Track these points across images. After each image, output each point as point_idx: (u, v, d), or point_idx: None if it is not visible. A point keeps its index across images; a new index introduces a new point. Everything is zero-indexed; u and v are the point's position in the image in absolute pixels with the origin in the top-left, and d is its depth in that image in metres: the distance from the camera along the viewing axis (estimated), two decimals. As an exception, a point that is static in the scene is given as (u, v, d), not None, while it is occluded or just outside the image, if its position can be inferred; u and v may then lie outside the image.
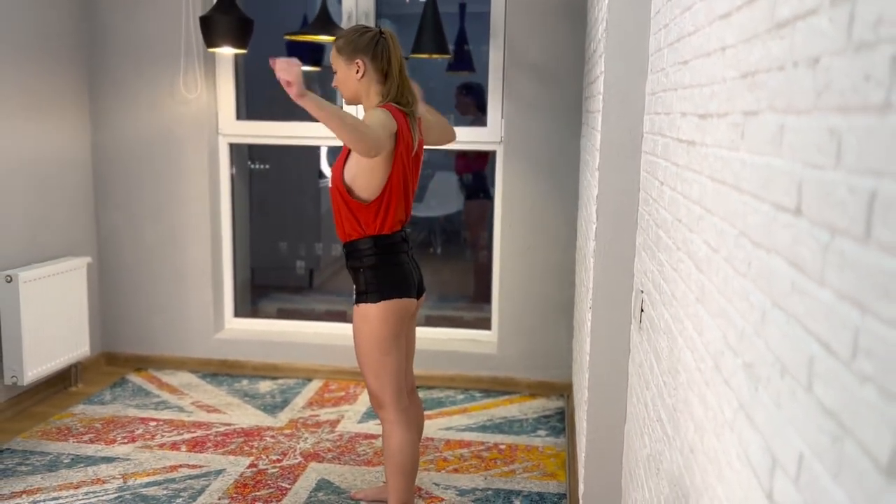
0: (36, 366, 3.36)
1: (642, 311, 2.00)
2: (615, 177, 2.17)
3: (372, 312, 2.29)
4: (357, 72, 2.30)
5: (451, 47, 3.72)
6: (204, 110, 3.83)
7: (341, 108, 2.07)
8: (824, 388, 0.69)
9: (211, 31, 3.31)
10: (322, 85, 5.24)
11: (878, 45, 0.60)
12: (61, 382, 3.70)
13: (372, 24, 3.74)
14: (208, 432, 3.24)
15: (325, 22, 3.22)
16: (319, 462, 2.99)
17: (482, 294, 4.61)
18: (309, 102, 2.01)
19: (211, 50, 3.42)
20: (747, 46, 1.01)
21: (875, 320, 0.58)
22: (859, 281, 0.62)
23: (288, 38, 3.38)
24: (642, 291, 2.02)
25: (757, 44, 0.96)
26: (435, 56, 3.62)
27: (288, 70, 1.97)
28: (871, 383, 0.58)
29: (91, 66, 3.84)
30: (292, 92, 1.99)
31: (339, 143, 3.87)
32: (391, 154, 2.24)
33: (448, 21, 3.64)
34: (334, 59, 2.33)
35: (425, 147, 2.54)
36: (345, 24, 3.74)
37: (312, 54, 4.27)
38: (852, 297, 0.63)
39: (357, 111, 3.84)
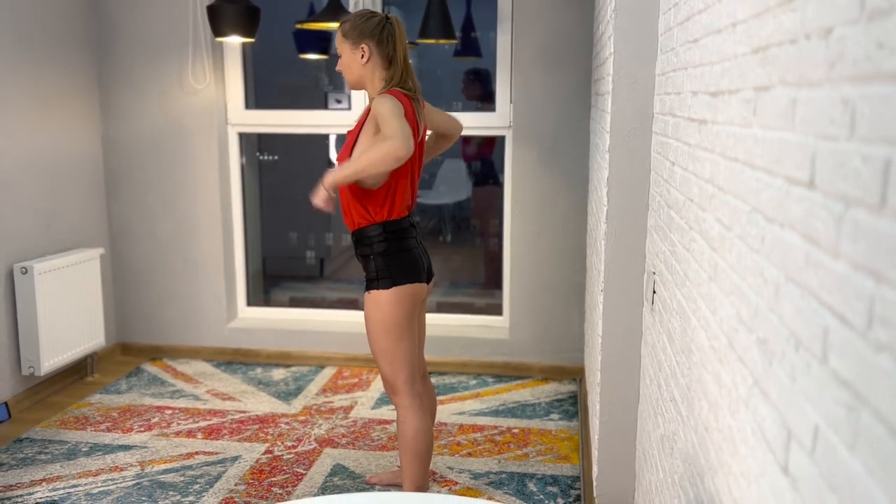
0: (52, 356, 3.40)
1: (654, 292, 2.00)
2: (625, 158, 2.17)
3: (384, 299, 2.29)
4: (362, 56, 2.29)
5: (457, 33, 3.71)
6: (213, 100, 3.84)
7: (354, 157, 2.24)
8: (839, 359, 0.69)
9: (218, 20, 3.31)
10: (330, 72, 5.24)
11: (892, 12, 0.59)
12: (77, 373, 3.74)
13: (379, 10, 3.73)
14: (224, 420, 3.27)
15: (336, 9, 3.21)
16: (334, 448, 3.01)
17: (493, 280, 4.62)
18: (339, 176, 2.18)
19: (219, 39, 3.43)
20: (758, 21, 1.01)
21: (890, 288, 0.58)
22: (874, 250, 0.61)
23: (299, 26, 3.37)
24: (654, 273, 2.02)
25: (768, 18, 0.96)
26: (442, 41, 3.61)
27: (319, 196, 2.22)
28: (887, 351, 0.58)
29: (100, 58, 3.85)
30: (326, 195, 2.22)
31: (344, 130, 3.88)
32: None
33: (454, 7, 3.63)
34: (339, 43, 2.32)
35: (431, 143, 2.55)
36: (351, 10, 3.73)
37: (319, 42, 4.26)
38: (867, 266, 0.63)
39: (362, 97, 3.84)
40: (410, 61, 2.38)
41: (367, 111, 2.29)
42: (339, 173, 2.17)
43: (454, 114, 2.78)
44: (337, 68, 2.36)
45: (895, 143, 0.58)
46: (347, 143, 2.33)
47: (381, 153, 2.08)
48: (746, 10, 1.07)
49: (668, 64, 1.85)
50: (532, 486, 2.71)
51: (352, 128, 2.36)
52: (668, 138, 1.81)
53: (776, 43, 0.92)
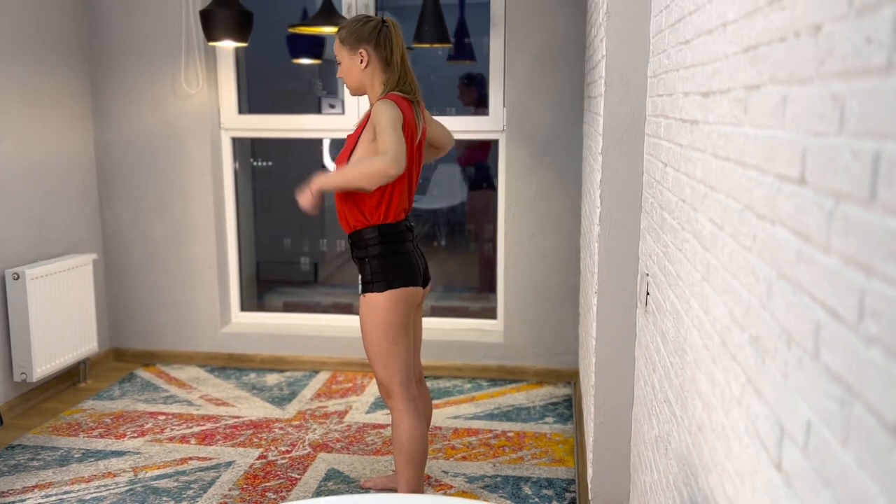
0: (44, 362, 3.38)
1: (648, 294, 2.00)
2: (618, 161, 2.17)
3: (378, 302, 2.29)
4: (361, 62, 2.30)
5: (451, 38, 3.72)
6: (206, 105, 3.83)
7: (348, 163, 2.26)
8: (831, 353, 0.69)
9: (211, 24, 3.31)
10: (323, 77, 5.24)
11: (880, 7, 0.60)
12: (70, 379, 3.72)
13: (373, 14, 3.74)
14: (217, 425, 3.25)
15: (329, 13, 3.21)
16: (328, 452, 3.00)
17: (488, 284, 4.62)
18: (327, 183, 2.23)
19: (211, 44, 3.42)
20: (749, 20, 1.01)
21: (881, 281, 0.58)
22: (864, 244, 0.62)
23: (291, 30, 3.37)
24: (647, 274, 2.02)
25: (758, 17, 0.96)
26: (436, 45, 3.62)
27: (304, 198, 2.28)
28: (878, 344, 0.58)
29: (92, 63, 3.85)
30: (312, 197, 2.27)
31: (342, 135, 3.88)
32: None
33: (448, 11, 3.64)
34: (338, 50, 2.33)
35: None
36: (345, 15, 3.73)
37: (312, 47, 4.27)
38: (858, 260, 0.63)
39: (355, 102, 3.85)
40: (409, 64, 2.39)
41: (368, 115, 2.29)
42: (328, 180, 2.22)
43: (448, 118, 2.77)
44: (338, 75, 2.37)
45: (884, 137, 0.58)
46: (347, 146, 2.33)
47: (371, 169, 2.11)
48: (737, 10, 1.08)
49: (660, 66, 1.85)
50: (527, 490, 2.71)
51: (352, 131, 2.37)
52: (661, 140, 1.82)
53: (766, 41, 0.93)
